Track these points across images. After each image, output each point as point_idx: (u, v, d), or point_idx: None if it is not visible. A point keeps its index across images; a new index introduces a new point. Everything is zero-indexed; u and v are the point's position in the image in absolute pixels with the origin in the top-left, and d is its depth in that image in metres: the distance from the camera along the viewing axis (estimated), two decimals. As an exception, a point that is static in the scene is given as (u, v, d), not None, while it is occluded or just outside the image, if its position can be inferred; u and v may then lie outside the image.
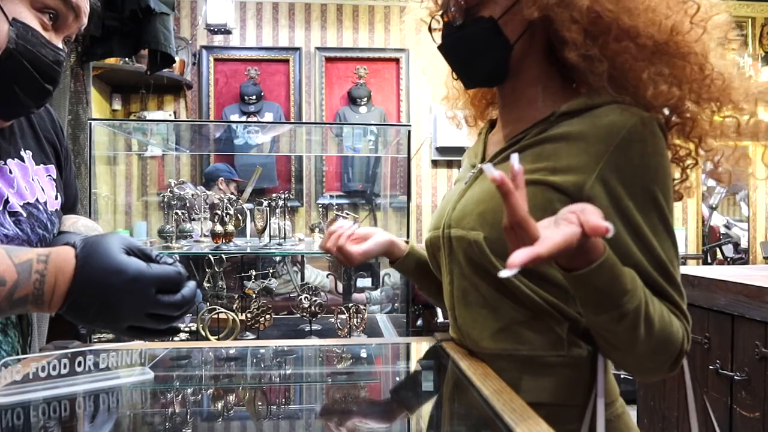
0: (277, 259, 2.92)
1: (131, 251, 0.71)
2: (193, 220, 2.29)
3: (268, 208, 2.15)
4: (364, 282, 2.59)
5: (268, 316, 2.00)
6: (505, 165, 0.90)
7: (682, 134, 0.86)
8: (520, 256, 0.58)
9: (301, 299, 2.04)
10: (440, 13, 0.95)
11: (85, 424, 0.74)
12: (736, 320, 1.68)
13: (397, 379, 1.03)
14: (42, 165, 0.96)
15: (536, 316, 0.83)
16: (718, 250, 4.47)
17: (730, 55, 0.84)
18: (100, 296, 0.69)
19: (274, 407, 0.86)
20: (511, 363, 0.84)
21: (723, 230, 4.50)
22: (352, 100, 4.28)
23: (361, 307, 2.01)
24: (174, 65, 3.02)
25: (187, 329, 2.05)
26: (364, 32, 4.37)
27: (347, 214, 2.22)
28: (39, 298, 0.69)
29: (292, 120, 4.18)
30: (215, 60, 4.28)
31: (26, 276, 0.68)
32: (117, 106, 4.14)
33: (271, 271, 2.42)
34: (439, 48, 0.95)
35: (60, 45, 0.86)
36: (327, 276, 3.12)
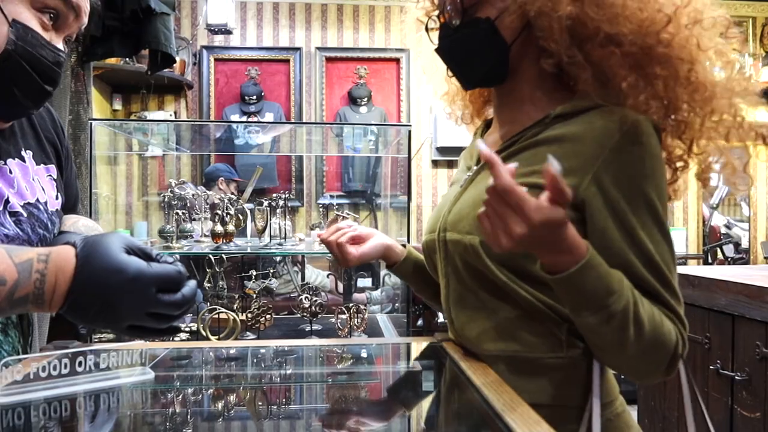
0: (278, 259, 2.92)
1: (131, 250, 0.71)
2: (194, 220, 2.29)
3: (268, 208, 2.15)
4: (365, 282, 2.59)
5: (268, 316, 2.00)
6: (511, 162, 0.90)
7: (675, 136, 0.86)
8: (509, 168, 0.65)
9: (301, 299, 2.04)
10: (436, 13, 0.95)
11: (85, 424, 0.74)
12: (737, 320, 1.68)
13: (398, 379, 1.03)
14: (42, 165, 0.96)
15: (534, 318, 0.83)
16: (718, 250, 4.47)
17: (719, 63, 0.83)
18: (101, 296, 0.69)
19: (275, 407, 0.86)
20: (510, 365, 0.84)
21: (723, 230, 4.50)
22: (353, 100, 4.28)
23: (362, 307, 2.01)
24: (174, 65, 3.02)
25: (187, 329, 2.05)
26: (365, 32, 4.37)
27: (348, 214, 2.22)
28: (39, 298, 0.69)
29: (293, 120, 4.18)
30: (216, 60, 4.28)
31: (27, 276, 0.68)
32: (118, 106, 4.15)
33: (271, 271, 2.42)
34: (437, 50, 0.95)
35: (60, 45, 0.86)
36: (327, 276, 3.12)
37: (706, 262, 4.39)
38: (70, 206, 1.04)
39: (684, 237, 4.39)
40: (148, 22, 2.05)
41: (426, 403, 0.91)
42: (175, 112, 4.25)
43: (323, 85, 4.31)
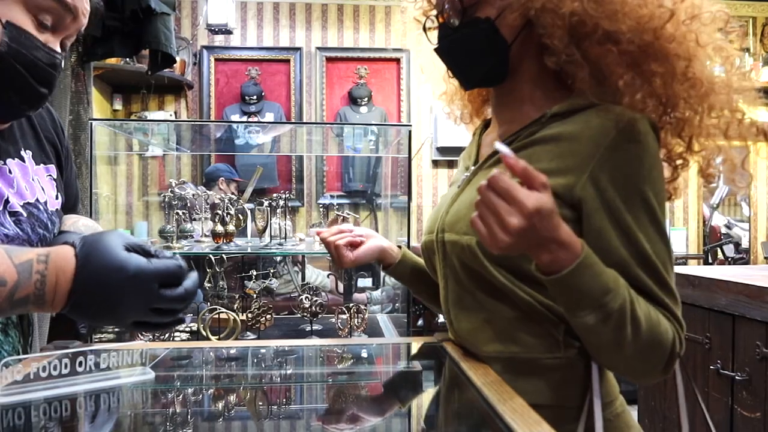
0: (278, 259, 2.92)
1: (130, 248, 0.71)
2: (194, 220, 2.29)
3: (268, 208, 2.15)
4: (365, 282, 2.59)
5: (268, 316, 2.00)
6: (496, 167, 0.89)
7: (674, 133, 0.85)
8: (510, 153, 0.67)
9: (301, 299, 2.04)
10: (434, 13, 0.94)
11: (85, 424, 0.74)
12: (737, 320, 1.68)
13: (398, 379, 1.03)
14: (42, 165, 0.96)
15: (531, 318, 0.83)
16: (719, 250, 4.47)
17: (717, 59, 0.82)
18: (103, 294, 0.69)
19: (275, 407, 0.86)
20: (508, 366, 0.84)
21: (724, 230, 4.50)
22: (353, 100, 4.28)
23: (362, 307, 2.00)
24: (175, 65, 3.02)
25: (188, 329, 2.05)
26: (365, 32, 4.37)
27: (348, 214, 2.22)
28: (41, 299, 0.69)
29: (293, 120, 4.18)
30: (216, 60, 4.28)
31: (27, 276, 0.68)
32: (118, 106, 4.15)
33: (271, 271, 2.42)
34: (436, 50, 0.95)
35: (57, 47, 0.85)
36: (328, 276, 3.12)
37: (706, 262, 4.39)
38: (70, 206, 1.04)
39: (684, 237, 4.39)
40: (149, 22, 2.05)
41: (426, 403, 0.91)
42: (176, 112, 4.26)
43: (323, 85, 4.31)
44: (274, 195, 2.22)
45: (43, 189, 0.94)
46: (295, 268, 3.02)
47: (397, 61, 4.33)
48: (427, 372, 1.01)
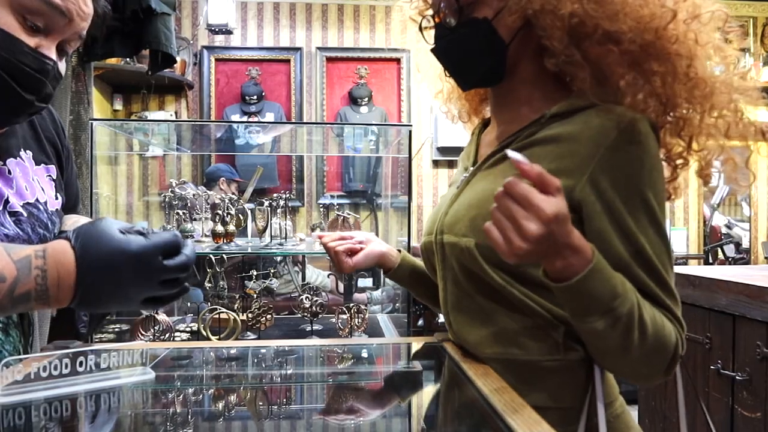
0: (278, 259, 2.92)
1: (124, 231, 0.72)
2: (194, 220, 2.29)
3: (269, 208, 2.15)
4: (365, 282, 2.59)
5: (269, 316, 2.00)
6: (496, 169, 0.89)
7: (674, 133, 0.85)
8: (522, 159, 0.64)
9: (302, 299, 2.04)
10: (431, 13, 0.94)
11: (86, 424, 0.74)
12: (738, 320, 1.68)
13: (398, 379, 1.03)
14: (42, 165, 0.96)
15: (532, 321, 0.83)
16: (719, 249, 4.46)
17: (717, 58, 0.82)
18: (111, 279, 0.69)
19: (275, 407, 0.86)
20: (507, 368, 0.84)
21: (724, 230, 4.50)
22: (353, 100, 4.28)
23: (362, 307, 2.01)
24: (175, 65, 3.02)
25: (188, 329, 2.05)
26: (365, 32, 4.37)
27: (348, 214, 2.22)
28: (43, 294, 0.69)
29: (293, 120, 4.18)
30: (216, 60, 4.28)
31: (26, 272, 0.68)
32: (118, 106, 4.15)
33: (272, 271, 2.42)
34: (433, 51, 0.94)
35: (51, 52, 0.80)
36: (328, 276, 3.12)
37: (706, 262, 4.39)
38: (70, 206, 1.04)
39: (685, 237, 4.39)
40: (149, 22, 2.05)
41: (426, 403, 0.91)
42: (176, 112, 4.26)
43: (324, 85, 4.31)
44: (275, 195, 2.22)
45: (43, 189, 0.94)
46: (296, 268, 3.02)
47: (398, 61, 4.33)
48: (427, 372, 1.01)
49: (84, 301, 0.71)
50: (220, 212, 2.09)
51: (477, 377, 0.80)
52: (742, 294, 1.65)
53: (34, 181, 0.92)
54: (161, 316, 1.84)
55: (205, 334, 1.80)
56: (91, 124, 2.12)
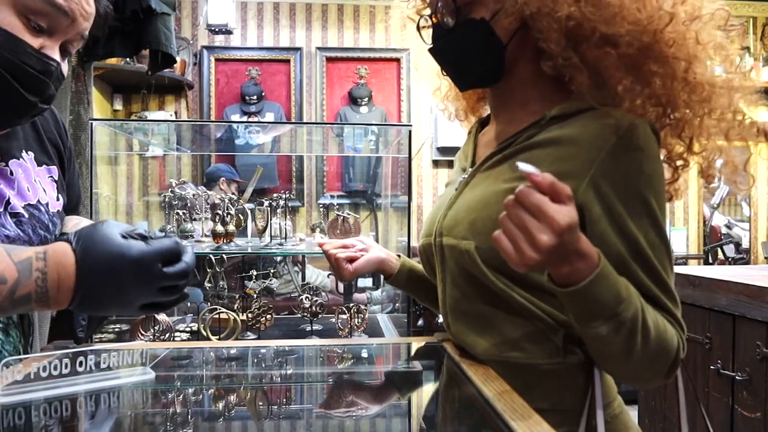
0: (278, 259, 2.92)
1: (126, 234, 0.72)
2: (194, 220, 2.29)
3: (269, 208, 2.15)
4: (365, 282, 2.59)
5: (269, 316, 2.00)
6: (495, 170, 0.89)
7: (674, 134, 0.84)
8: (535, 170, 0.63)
9: (302, 299, 2.04)
10: (428, 12, 0.94)
11: (86, 424, 0.74)
12: (738, 320, 1.68)
13: (398, 379, 1.03)
14: (44, 166, 0.96)
15: (531, 324, 0.83)
16: (719, 250, 4.46)
17: (718, 58, 0.81)
18: (111, 283, 0.69)
19: (275, 407, 0.86)
20: (507, 370, 0.83)
21: (724, 230, 4.50)
22: (353, 100, 4.28)
23: (362, 307, 2.00)
24: (175, 65, 3.02)
25: (188, 329, 2.05)
26: (365, 32, 4.37)
27: (348, 214, 2.22)
28: (44, 296, 0.69)
29: (293, 120, 4.18)
30: (216, 60, 4.28)
31: (27, 274, 0.68)
32: (118, 106, 4.15)
33: (272, 271, 2.42)
34: (431, 50, 0.94)
35: (54, 53, 0.80)
36: (328, 276, 3.12)
37: (706, 262, 4.39)
38: (71, 207, 1.04)
39: (685, 237, 4.39)
40: (149, 22, 2.05)
41: (426, 403, 0.91)
42: (176, 112, 4.26)
43: (324, 85, 4.31)
44: (275, 195, 2.22)
45: (44, 190, 0.94)
46: (296, 268, 3.02)
47: (398, 61, 4.33)
48: (427, 372, 1.01)
49: (83, 303, 0.71)
50: (220, 212, 2.09)
51: (477, 377, 0.81)
52: (742, 294, 1.65)
53: (35, 183, 0.92)
54: (161, 317, 1.84)
55: (205, 334, 1.80)
56: (91, 124, 2.12)
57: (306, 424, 0.79)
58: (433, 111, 4.24)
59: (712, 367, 1.76)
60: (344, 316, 1.98)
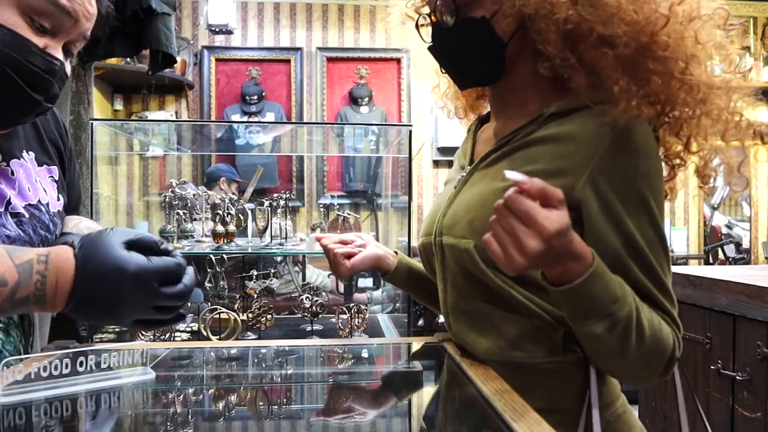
0: (279, 259, 2.92)
1: (131, 245, 0.71)
2: (195, 220, 2.29)
3: (269, 208, 2.15)
4: (366, 282, 2.59)
5: (269, 316, 2.00)
6: (494, 168, 0.88)
7: (672, 132, 0.84)
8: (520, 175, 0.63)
9: (302, 299, 2.04)
10: (427, 11, 0.93)
11: (86, 424, 0.74)
12: (738, 320, 1.68)
13: (398, 379, 1.03)
14: (45, 166, 0.96)
15: (531, 323, 0.83)
16: (719, 250, 4.46)
17: (717, 57, 0.81)
18: (104, 294, 0.69)
19: (276, 407, 0.86)
20: (507, 369, 0.83)
21: (724, 230, 4.49)
22: (354, 100, 4.28)
23: (363, 307, 2.00)
24: (175, 65, 3.02)
25: (188, 329, 2.05)
26: (366, 32, 4.37)
27: (348, 214, 2.22)
28: (41, 299, 0.69)
29: (294, 120, 4.18)
30: (216, 60, 4.28)
31: (27, 276, 0.68)
32: (119, 106, 4.15)
33: (272, 271, 2.42)
34: (430, 49, 0.93)
35: (57, 53, 0.81)
36: (328, 276, 3.12)
37: (707, 262, 4.39)
38: (72, 207, 1.04)
39: (685, 237, 4.39)
40: (149, 22, 2.05)
41: (426, 403, 0.91)
42: (176, 112, 4.26)
43: (324, 85, 4.31)
44: (275, 195, 2.22)
45: (45, 190, 0.94)
46: (296, 268, 3.02)
47: (398, 61, 4.33)
48: (427, 372, 1.01)
49: (76, 310, 0.71)
50: (220, 212, 2.09)
51: (477, 377, 0.81)
52: (742, 294, 1.65)
53: (36, 183, 0.92)
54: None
55: (205, 334, 1.80)
56: (92, 124, 2.12)
57: (306, 424, 0.79)
58: (434, 111, 4.24)
59: (712, 367, 1.76)
60: (344, 316, 1.98)
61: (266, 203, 2.15)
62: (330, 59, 4.33)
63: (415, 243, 2.04)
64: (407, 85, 4.33)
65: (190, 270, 0.75)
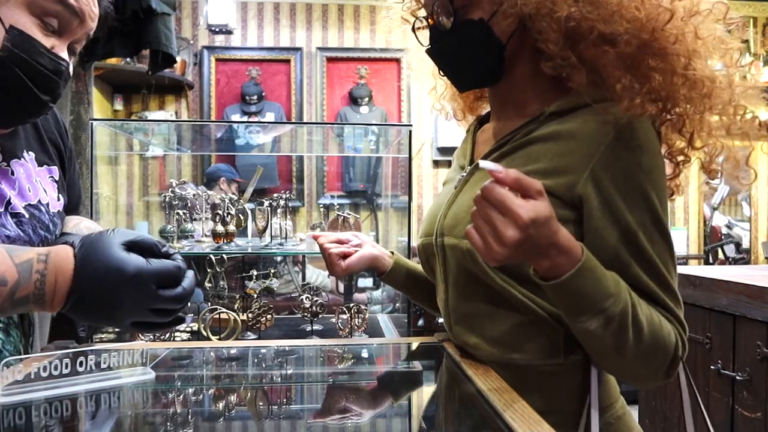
0: (279, 259, 2.92)
1: (131, 246, 0.71)
2: (195, 220, 2.29)
3: (269, 208, 2.15)
4: (366, 282, 2.59)
5: (269, 316, 2.00)
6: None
7: (675, 129, 0.84)
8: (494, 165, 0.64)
9: (302, 299, 2.04)
10: (423, 13, 0.93)
11: (86, 424, 0.74)
12: (738, 320, 1.68)
13: (398, 379, 1.03)
14: (45, 166, 0.96)
15: (532, 324, 0.82)
16: (719, 250, 4.46)
17: (718, 52, 0.80)
18: (102, 295, 0.69)
19: (275, 407, 0.86)
20: (508, 371, 0.83)
21: (725, 230, 4.50)
22: (353, 100, 4.28)
23: (363, 307, 2.00)
24: (175, 65, 3.02)
25: (188, 329, 2.05)
26: (366, 32, 4.37)
27: (348, 214, 2.21)
28: (40, 298, 0.69)
29: (293, 120, 4.18)
30: (216, 60, 4.28)
31: (27, 276, 0.68)
32: (118, 106, 4.15)
33: (272, 271, 2.42)
34: (428, 52, 0.93)
35: (63, 53, 0.82)
36: (328, 276, 3.12)
37: (707, 262, 4.39)
38: (72, 207, 1.04)
39: (685, 237, 4.39)
40: (149, 22, 2.05)
41: (426, 403, 0.91)
42: (176, 112, 4.26)
43: (324, 85, 4.31)
44: (275, 195, 2.22)
45: (45, 191, 0.94)
46: (296, 268, 3.02)
47: (398, 61, 4.33)
48: (427, 372, 1.01)
49: (74, 310, 0.71)
50: (220, 212, 2.09)
51: (477, 377, 0.81)
52: (742, 294, 1.65)
53: (36, 183, 0.92)
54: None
55: (205, 334, 1.80)
56: (92, 124, 2.12)
57: (306, 424, 0.79)
58: (434, 111, 4.23)
59: (712, 367, 1.76)
60: (344, 316, 1.98)
61: (266, 203, 2.15)
62: (330, 59, 4.33)
63: (415, 243, 2.04)
64: (407, 85, 4.33)
65: (189, 273, 0.74)
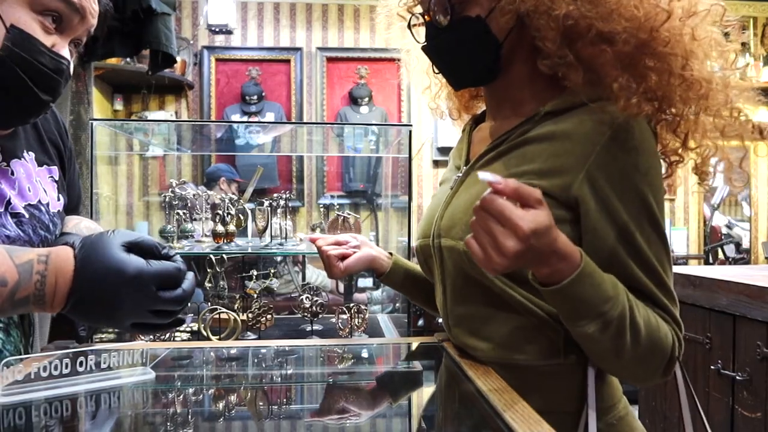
0: (279, 259, 2.92)
1: (131, 247, 0.71)
2: (195, 220, 2.29)
3: (269, 208, 2.15)
4: (366, 282, 2.59)
5: (269, 316, 2.00)
6: (490, 168, 0.87)
7: (670, 130, 0.84)
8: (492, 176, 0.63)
9: (302, 299, 2.04)
10: (419, 10, 0.92)
11: (86, 424, 0.74)
12: (738, 320, 1.68)
13: (398, 379, 1.03)
14: (45, 166, 0.96)
15: (531, 324, 0.82)
16: (719, 250, 4.46)
17: (715, 53, 0.80)
18: (102, 296, 0.69)
19: (275, 407, 0.86)
20: (508, 372, 0.83)
21: (725, 230, 4.49)
22: (353, 100, 4.28)
23: (363, 307, 2.00)
24: (175, 65, 3.02)
25: (188, 329, 2.05)
26: (366, 32, 4.37)
27: (348, 214, 2.22)
28: (41, 299, 0.69)
29: (293, 120, 4.18)
30: (216, 60, 4.28)
31: (27, 277, 0.68)
32: (118, 106, 4.15)
33: (272, 271, 2.42)
34: (424, 49, 0.92)
35: (65, 51, 0.82)
36: (328, 276, 3.11)
37: (707, 262, 4.39)
38: (72, 207, 1.04)
39: (685, 237, 4.39)
40: (149, 22, 2.05)
41: (426, 404, 0.91)
42: (176, 112, 4.26)
43: (324, 85, 4.31)
44: (275, 195, 2.22)
45: (45, 191, 0.94)
46: (296, 268, 3.02)
47: (398, 61, 4.32)
48: (427, 372, 1.01)
49: (74, 311, 0.71)
50: (220, 212, 2.09)
51: (477, 377, 0.80)
52: (742, 294, 1.65)
53: (36, 183, 0.92)
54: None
55: (205, 334, 1.79)
56: (91, 124, 2.11)
57: (306, 424, 0.79)
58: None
59: (712, 367, 1.76)
60: (344, 316, 1.98)
61: (266, 203, 2.15)
62: (330, 59, 4.33)
63: (414, 243, 2.04)
64: (407, 85, 4.33)
65: (190, 275, 0.74)
